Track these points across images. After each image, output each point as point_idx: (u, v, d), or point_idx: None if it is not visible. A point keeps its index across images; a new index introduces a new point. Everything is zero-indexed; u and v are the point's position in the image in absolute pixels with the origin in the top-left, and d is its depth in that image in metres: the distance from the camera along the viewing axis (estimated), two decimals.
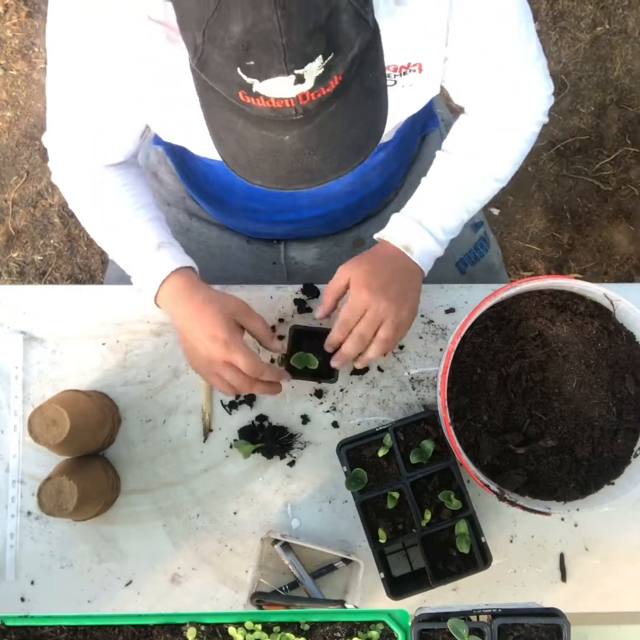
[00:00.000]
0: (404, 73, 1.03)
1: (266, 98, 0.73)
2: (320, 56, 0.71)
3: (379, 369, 1.22)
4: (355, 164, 0.84)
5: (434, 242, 1.14)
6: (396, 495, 1.11)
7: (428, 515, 1.10)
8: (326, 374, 1.15)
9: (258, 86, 0.72)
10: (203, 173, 1.27)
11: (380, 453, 1.12)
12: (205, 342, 1.06)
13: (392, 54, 1.00)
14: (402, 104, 1.09)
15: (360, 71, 0.79)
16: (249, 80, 0.72)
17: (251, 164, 0.83)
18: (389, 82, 1.02)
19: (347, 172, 0.84)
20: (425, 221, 1.13)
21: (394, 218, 1.16)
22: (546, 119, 1.20)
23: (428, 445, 1.11)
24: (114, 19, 0.93)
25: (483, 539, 1.10)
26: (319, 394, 1.21)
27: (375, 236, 1.17)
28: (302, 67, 0.71)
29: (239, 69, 0.71)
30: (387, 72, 1.02)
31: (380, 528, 1.11)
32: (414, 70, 1.03)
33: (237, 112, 0.78)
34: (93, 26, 0.94)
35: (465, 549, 1.08)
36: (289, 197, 1.27)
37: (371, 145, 0.85)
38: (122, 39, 0.94)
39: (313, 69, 0.71)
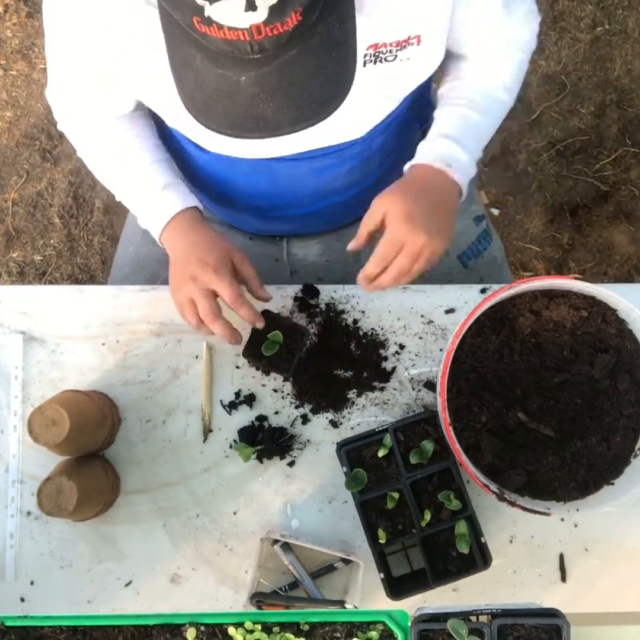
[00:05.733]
0: (404, 46, 1.02)
1: (220, 26, 0.71)
2: None
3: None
4: (314, 119, 0.81)
5: (470, 160, 1.13)
6: (396, 495, 1.11)
7: (428, 516, 1.10)
8: (282, 366, 1.16)
9: (209, 10, 0.70)
10: (204, 170, 1.27)
11: (380, 453, 1.12)
12: (196, 265, 1.07)
13: (395, 29, 1.00)
14: (401, 79, 1.09)
15: (326, 18, 0.76)
16: (200, 1, 0.70)
17: (207, 106, 0.81)
18: (389, 58, 1.02)
19: (304, 127, 0.81)
20: (462, 139, 1.13)
21: (426, 143, 1.14)
22: (533, 46, 1.21)
23: (428, 445, 1.11)
24: (113, 3, 0.94)
25: (483, 539, 1.10)
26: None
27: (407, 166, 1.14)
28: None
29: None
30: (389, 48, 1.01)
31: (380, 528, 1.11)
32: (413, 43, 1.03)
33: (195, 45, 0.77)
34: (91, 6, 0.95)
35: (465, 550, 1.08)
36: (290, 191, 1.27)
37: (334, 103, 0.82)
38: (119, 20, 0.95)
39: None
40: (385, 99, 1.12)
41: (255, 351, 1.15)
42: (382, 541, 1.10)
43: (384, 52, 1.01)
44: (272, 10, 0.70)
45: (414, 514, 1.10)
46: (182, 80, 0.82)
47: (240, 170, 1.22)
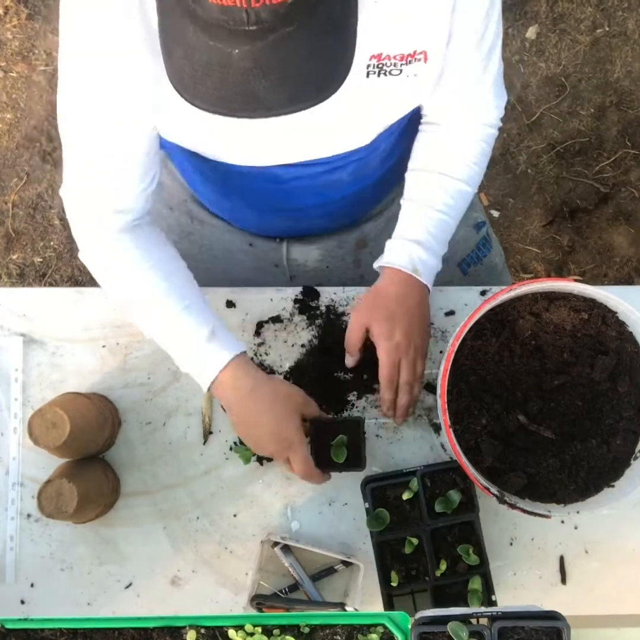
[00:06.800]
0: (410, 62, 1.02)
1: None
2: None
3: None
4: (307, 103, 0.78)
5: (436, 260, 1.17)
6: (415, 541, 1.09)
7: (443, 566, 1.08)
8: (356, 462, 1.13)
9: None
10: (208, 167, 1.27)
11: (405, 496, 1.10)
12: (272, 440, 1.08)
13: (399, 42, 0.99)
14: (408, 94, 1.08)
15: None
16: None
17: (195, 81, 0.77)
18: (394, 72, 1.02)
19: (296, 110, 0.78)
20: (424, 241, 1.16)
21: (393, 244, 1.18)
22: (500, 124, 1.24)
23: (454, 496, 1.09)
24: (124, 17, 0.91)
25: (494, 598, 1.09)
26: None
27: (377, 265, 1.19)
28: None
29: None
30: (393, 61, 1.01)
31: (394, 571, 1.09)
32: (420, 59, 1.02)
33: (188, 15, 0.74)
34: (105, 30, 0.92)
35: (476, 606, 1.06)
36: (293, 192, 1.26)
37: (330, 88, 0.79)
38: (129, 41, 0.93)
39: None
40: (390, 111, 1.11)
41: (326, 460, 1.12)
42: (394, 584, 1.09)
43: (388, 65, 1.01)
44: None
45: (430, 563, 1.08)
46: (171, 54, 0.79)
47: (243, 171, 1.22)
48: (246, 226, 1.43)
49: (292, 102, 0.78)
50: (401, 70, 1.02)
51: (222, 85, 0.76)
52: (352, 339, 1.17)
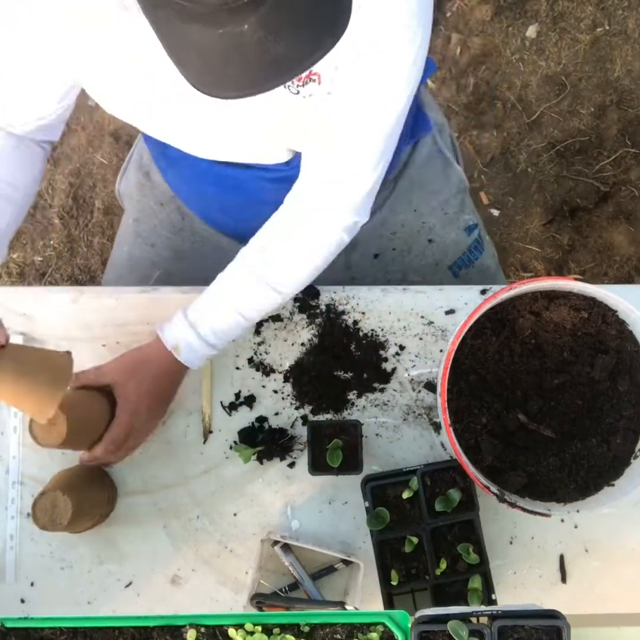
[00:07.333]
0: (306, 83, 1.01)
1: None
2: None
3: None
4: (327, 45, 0.78)
5: (203, 345, 1.13)
6: (415, 540, 1.09)
7: (443, 565, 1.08)
8: (353, 464, 1.13)
9: None
10: (178, 163, 1.27)
11: (405, 495, 1.11)
12: None
13: None
14: (308, 116, 1.06)
15: None
16: None
17: (220, 76, 0.77)
18: (292, 89, 1.01)
19: (320, 56, 0.78)
20: (199, 325, 1.13)
21: (173, 317, 1.15)
22: (348, 239, 1.15)
23: (455, 494, 1.09)
24: None
25: (494, 597, 1.09)
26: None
27: (156, 325, 1.16)
28: None
29: None
30: (292, 81, 0.99)
31: (394, 570, 1.09)
32: (314, 80, 1.01)
33: (187, 17, 0.73)
34: None
35: (476, 605, 1.06)
36: (245, 194, 1.25)
37: (341, 24, 0.79)
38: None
39: None
40: (292, 132, 1.09)
41: (322, 464, 1.13)
42: (394, 583, 1.09)
43: (287, 85, 1.00)
44: None
45: (430, 562, 1.09)
46: (186, 64, 0.79)
47: (201, 170, 1.22)
48: (224, 230, 1.42)
49: (314, 50, 0.78)
50: (298, 91, 1.01)
51: (246, 66, 0.76)
52: (92, 379, 1.14)
